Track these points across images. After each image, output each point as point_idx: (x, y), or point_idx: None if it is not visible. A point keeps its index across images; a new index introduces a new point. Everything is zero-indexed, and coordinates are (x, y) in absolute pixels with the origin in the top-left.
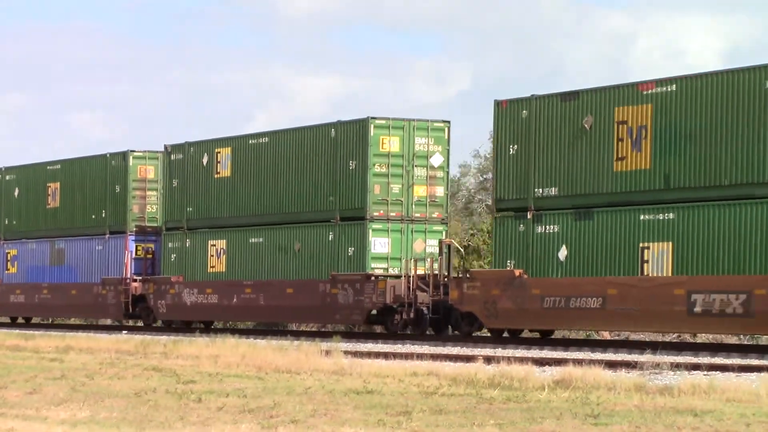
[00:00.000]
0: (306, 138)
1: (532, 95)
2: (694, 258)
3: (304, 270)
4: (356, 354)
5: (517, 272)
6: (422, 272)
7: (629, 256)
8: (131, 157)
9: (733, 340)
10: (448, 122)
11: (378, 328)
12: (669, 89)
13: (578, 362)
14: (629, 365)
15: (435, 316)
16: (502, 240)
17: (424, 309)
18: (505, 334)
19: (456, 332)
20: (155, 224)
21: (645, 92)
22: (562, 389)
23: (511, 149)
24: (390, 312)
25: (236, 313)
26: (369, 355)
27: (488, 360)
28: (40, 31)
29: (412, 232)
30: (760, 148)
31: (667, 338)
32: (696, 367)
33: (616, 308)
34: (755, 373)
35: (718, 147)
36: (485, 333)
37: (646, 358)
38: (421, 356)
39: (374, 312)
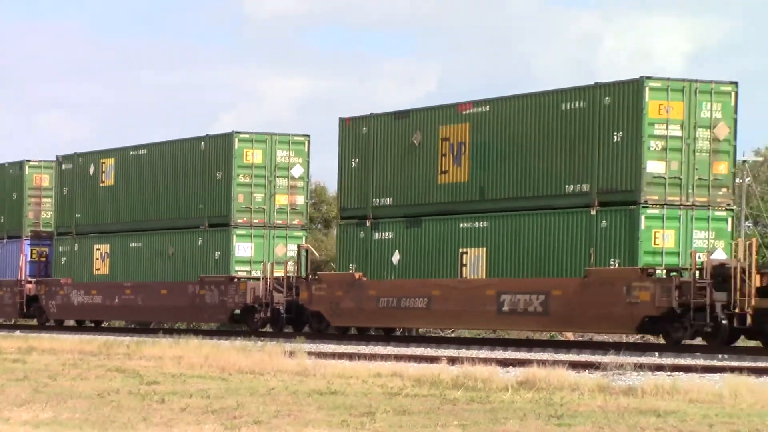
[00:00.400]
0: (179, 150)
1: (371, 113)
2: (504, 262)
3: (177, 273)
4: (320, 355)
5: (357, 275)
6: (281, 275)
7: (451, 260)
8: (27, 167)
9: (697, 341)
10: (308, 136)
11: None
12: (483, 110)
13: (542, 363)
14: (593, 366)
15: (290, 315)
16: (346, 245)
17: (280, 308)
18: (353, 331)
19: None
20: (49, 229)
21: (464, 112)
22: (525, 390)
23: (353, 162)
24: (251, 311)
25: (118, 312)
26: (333, 356)
27: (452, 361)
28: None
29: (273, 237)
30: (557, 164)
31: (631, 339)
32: (659, 367)
33: (440, 308)
34: (718, 374)
35: (522, 162)
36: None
37: (609, 359)
38: (385, 357)
39: (237, 311)
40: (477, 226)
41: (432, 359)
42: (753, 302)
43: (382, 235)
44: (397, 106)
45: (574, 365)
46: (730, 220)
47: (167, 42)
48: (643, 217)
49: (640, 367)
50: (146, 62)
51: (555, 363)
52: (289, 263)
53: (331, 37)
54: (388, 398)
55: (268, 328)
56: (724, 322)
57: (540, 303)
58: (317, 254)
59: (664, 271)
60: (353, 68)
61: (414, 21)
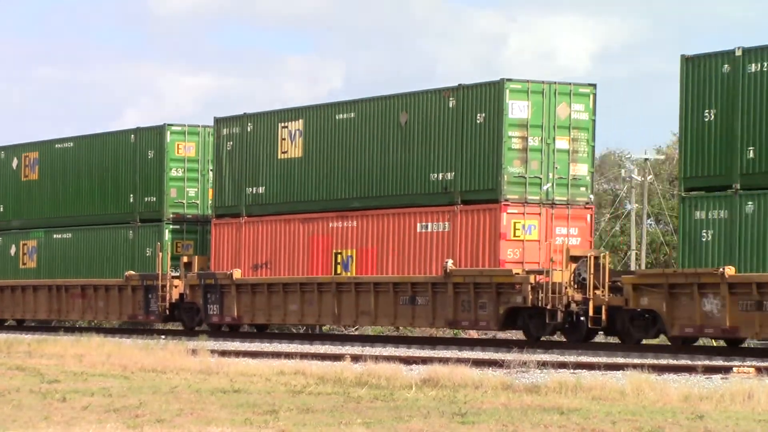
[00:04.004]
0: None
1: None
2: None
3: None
4: (223, 353)
5: None
6: None
7: None
8: None
9: (599, 338)
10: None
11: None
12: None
13: (445, 361)
14: (496, 364)
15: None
16: None
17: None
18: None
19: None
20: None
21: None
22: (429, 388)
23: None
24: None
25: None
26: (236, 354)
27: (356, 359)
28: None
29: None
30: None
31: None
32: (563, 365)
33: None
34: (621, 372)
35: None
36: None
37: (513, 356)
38: (288, 355)
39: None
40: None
41: (335, 357)
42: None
43: None
44: (303, 103)
45: (478, 363)
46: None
47: (70, 38)
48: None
49: (543, 364)
50: (47, 59)
51: (458, 361)
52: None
53: (234, 34)
54: (292, 396)
55: (173, 326)
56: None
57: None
58: None
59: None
60: (257, 66)
61: (317, 19)
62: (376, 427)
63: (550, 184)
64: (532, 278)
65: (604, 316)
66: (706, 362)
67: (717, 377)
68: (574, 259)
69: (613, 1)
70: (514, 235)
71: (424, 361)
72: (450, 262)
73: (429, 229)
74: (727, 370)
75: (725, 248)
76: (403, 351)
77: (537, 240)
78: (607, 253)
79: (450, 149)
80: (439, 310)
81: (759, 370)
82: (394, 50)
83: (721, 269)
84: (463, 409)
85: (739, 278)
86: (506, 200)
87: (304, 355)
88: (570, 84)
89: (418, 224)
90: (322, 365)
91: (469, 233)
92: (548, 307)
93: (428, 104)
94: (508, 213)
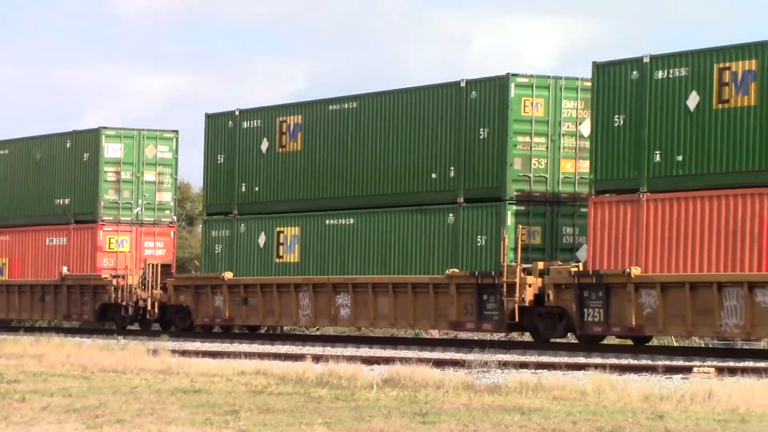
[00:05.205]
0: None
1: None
2: None
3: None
4: (184, 353)
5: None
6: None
7: None
8: None
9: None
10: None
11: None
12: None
13: (406, 361)
14: (457, 364)
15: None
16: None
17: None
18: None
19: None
20: None
21: None
22: (390, 388)
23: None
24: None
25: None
26: (197, 354)
27: (317, 359)
28: None
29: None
30: None
31: (496, 337)
32: (524, 365)
33: None
34: (582, 371)
35: None
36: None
37: (474, 356)
38: (249, 355)
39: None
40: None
41: (297, 357)
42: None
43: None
44: (264, 104)
45: (439, 363)
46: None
47: (29, 38)
48: None
49: (504, 364)
50: (4, 58)
51: (420, 361)
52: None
53: (198, 34)
54: (253, 396)
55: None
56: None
57: None
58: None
59: None
60: (219, 66)
61: (281, 20)
62: (337, 427)
63: (139, 209)
64: (114, 281)
65: (156, 310)
66: (667, 362)
67: (677, 377)
68: (152, 267)
69: (574, 2)
70: (109, 248)
71: (386, 361)
72: (65, 269)
73: (54, 243)
74: (687, 370)
75: (229, 258)
76: (364, 351)
77: (130, 251)
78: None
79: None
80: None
81: (719, 370)
82: (359, 50)
83: (222, 274)
84: (424, 409)
85: (234, 281)
86: (102, 220)
87: (264, 355)
88: (156, 130)
89: (47, 239)
90: (283, 365)
91: (79, 246)
92: (123, 303)
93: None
94: (104, 231)
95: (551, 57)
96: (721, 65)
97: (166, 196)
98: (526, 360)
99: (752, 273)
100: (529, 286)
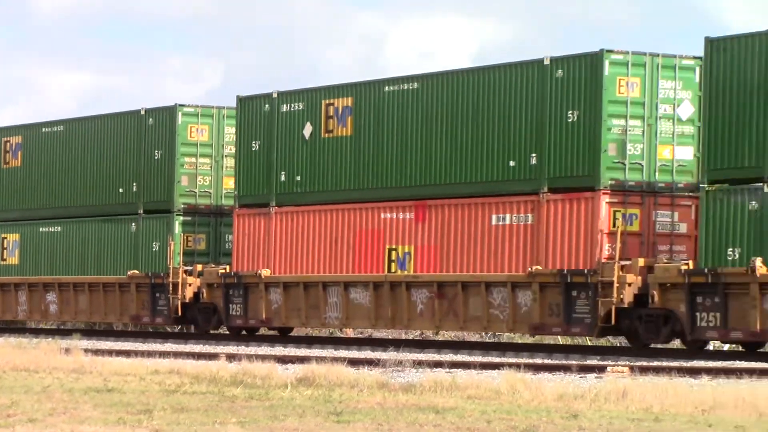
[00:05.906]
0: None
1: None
2: None
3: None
4: (97, 352)
5: None
6: None
7: None
8: None
9: (475, 338)
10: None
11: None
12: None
13: (321, 360)
14: (372, 363)
15: None
16: None
17: None
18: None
19: None
20: None
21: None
22: (305, 387)
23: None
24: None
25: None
26: (110, 353)
27: (231, 358)
28: None
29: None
30: None
31: (410, 336)
32: (438, 364)
33: None
34: (496, 371)
35: None
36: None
37: (388, 355)
38: (163, 354)
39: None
40: None
41: (210, 356)
42: None
43: None
44: (181, 101)
45: (354, 362)
46: None
47: None
48: None
49: (419, 363)
50: None
51: (334, 360)
52: None
53: (114, 32)
54: (166, 395)
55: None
56: None
57: None
58: None
59: None
60: (137, 64)
61: (196, 19)
62: (251, 427)
63: None
64: None
65: None
66: (581, 361)
67: (591, 376)
68: None
69: (491, 3)
70: None
71: (301, 360)
72: None
73: None
74: (601, 369)
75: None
76: (278, 350)
77: None
78: None
79: None
80: None
81: (633, 369)
82: (274, 49)
83: None
84: (338, 408)
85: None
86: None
87: (178, 354)
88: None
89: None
90: (197, 364)
91: None
92: None
93: None
94: None
95: (467, 57)
96: (327, 101)
97: None
98: (441, 359)
99: (347, 274)
100: (189, 285)
